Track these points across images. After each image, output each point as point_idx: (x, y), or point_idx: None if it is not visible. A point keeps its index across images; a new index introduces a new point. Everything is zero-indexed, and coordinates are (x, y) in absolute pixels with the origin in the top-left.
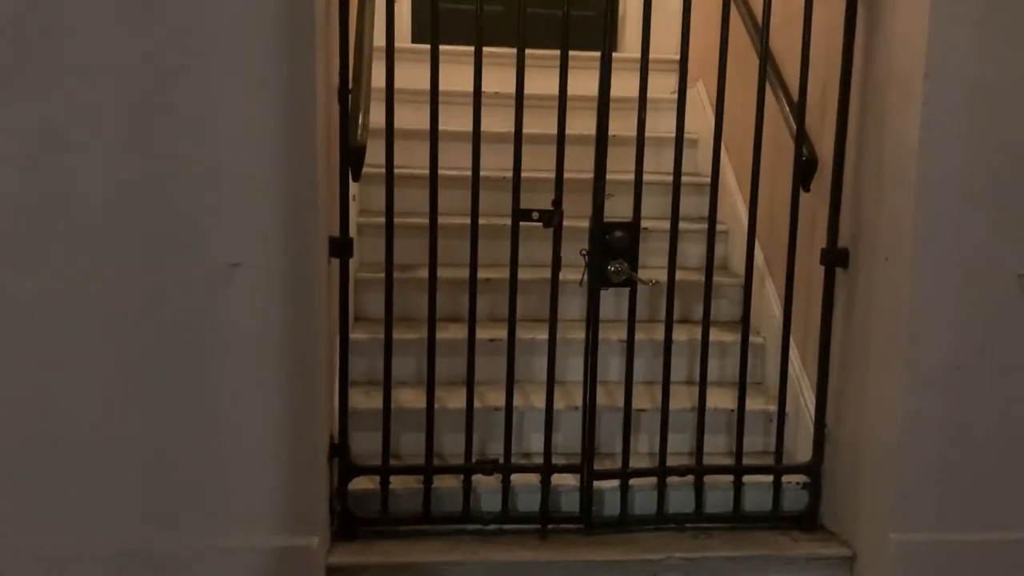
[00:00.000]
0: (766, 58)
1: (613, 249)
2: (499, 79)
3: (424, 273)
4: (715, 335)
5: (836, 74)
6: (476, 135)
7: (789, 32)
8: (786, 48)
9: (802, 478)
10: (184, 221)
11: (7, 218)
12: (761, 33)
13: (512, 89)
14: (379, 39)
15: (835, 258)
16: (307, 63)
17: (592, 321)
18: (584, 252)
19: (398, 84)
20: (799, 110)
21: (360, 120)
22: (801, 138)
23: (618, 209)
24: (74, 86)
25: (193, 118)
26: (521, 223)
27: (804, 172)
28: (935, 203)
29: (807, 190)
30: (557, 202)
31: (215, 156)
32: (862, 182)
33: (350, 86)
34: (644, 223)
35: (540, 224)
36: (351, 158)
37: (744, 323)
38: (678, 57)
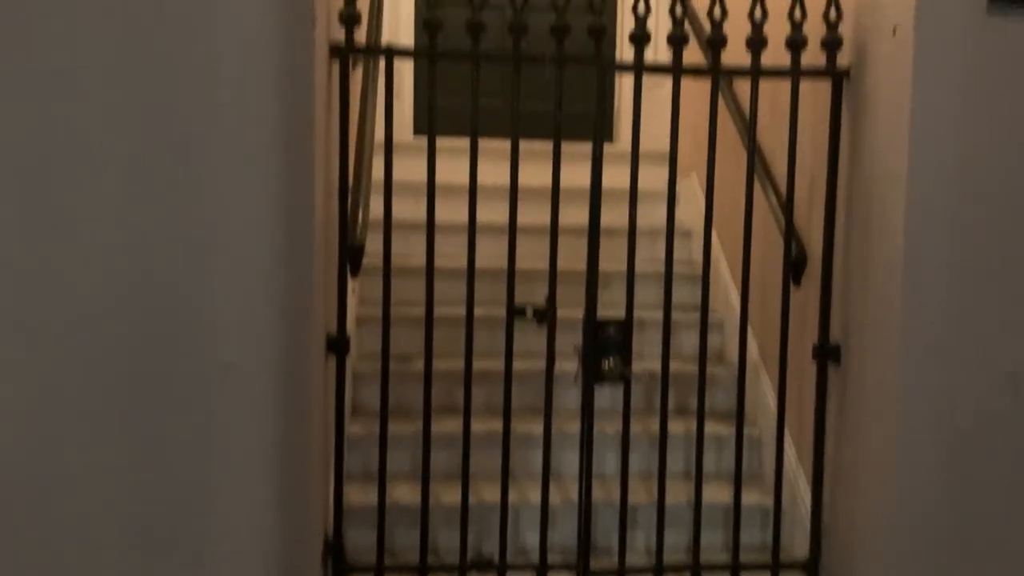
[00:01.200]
0: (754, 156)
1: (606, 346)
2: (501, 170)
3: (422, 365)
4: (711, 427)
5: (823, 170)
6: (471, 231)
7: (777, 129)
8: (775, 144)
9: (801, 575)
10: (178, 318)
11: None
12: (749, 131)
13: (520, 180)
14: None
15: (827, 354)
16: (307, 162)
17: (586, 416)
18: (578, 347)
19: (400, 177)
20: (787, 207)
21: (360, 218)
22: (790, 234)
23: (614, 296)
24: (64, 227)
25: (189, 215)
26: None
27: (794, 268)
28: (922, 301)
29: (798, 285)
30: (551, 300)
31: (211, 253)
32: (851, 278)
33: (350, 183)
34: (640, 313)
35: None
36: (350, 256)
37: (738, 418)
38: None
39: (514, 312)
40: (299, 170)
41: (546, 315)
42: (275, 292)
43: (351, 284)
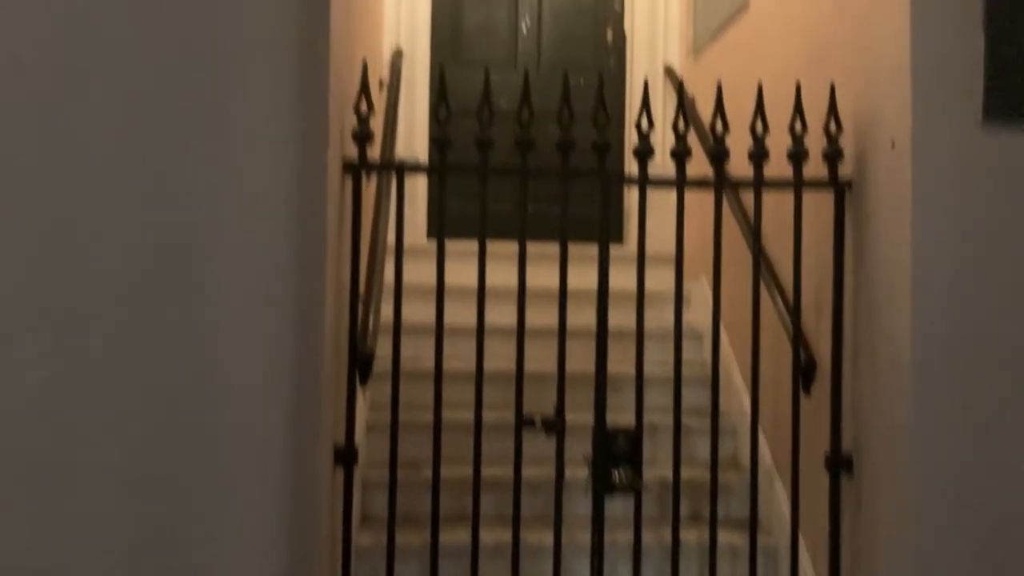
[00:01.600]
0: (759, 263)
1: (616, 456)
2: (511, 272)
3: (431, 472)
4: (726, 536)
5: (829, 277)
6: (479, 336)
7: (782, 235)
8: (781, 250)
9: None
10: (182, 432)
11: None
12: (753, 239)
13: (529, 282)
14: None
15: (839, 464)
16: (318, 275)
17: (597, 529)
18: (587, 456)
19: (413, 280)
20: (794, 315)
21: (371, 325)
22: (798, 342)
23: (624, 399)
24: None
25: (197, 327)
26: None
27: (803, 375)
28: (932, 415)
29: (808, 393)
30: (559, 410)
31: (219, 367)
32: (861, 387)
33: (361, 291)
34: (651, 417)
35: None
36: (360, 364)
37: (752, 528)
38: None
39: (523, 422)
40: (311, 283)
41: (555, 425)
42: (284, 407)
43: (361, 390)
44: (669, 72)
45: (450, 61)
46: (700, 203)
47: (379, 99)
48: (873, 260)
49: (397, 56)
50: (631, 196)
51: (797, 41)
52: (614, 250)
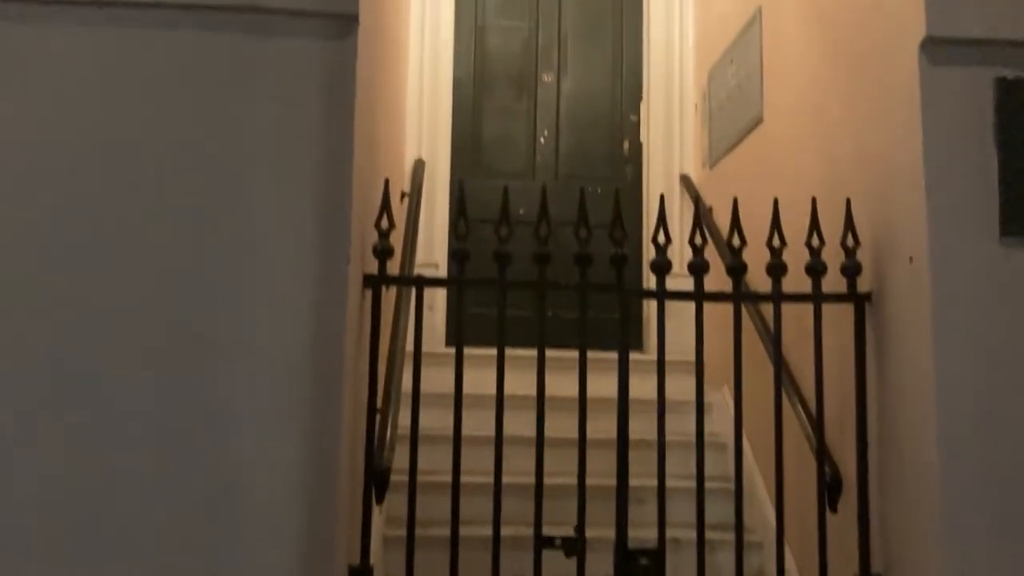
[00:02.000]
0: (780, 375)
1: None
2: (530, 380)
3: None
4: None
5: (852, 391)
6: (498, 447)
7: (803, 346)
8: (802, 360)
9: None
10: (189, 550)
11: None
12: (774, 352)
13: (548, 390)
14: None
15: None
16: (335, 390)
17: None
18: None
19: (431, 388)
20: (818, 429)
21: (388, 438)
22: (823, 457)
23: (647, 513)
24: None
25: (215, 444)
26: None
27: (829, 492)
28: (964, 539)
29: (834, 511)
30: (579, 530)
31: (233, 489)
32: (888, 506)
33: (379, 402)
34: (674, 532)
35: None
36: (376, 480)
37: None
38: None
39: (542, 542)
40: (327, 397)
41: (575, 546)
42: (297, 524)
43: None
44: (685, 181)
45: (470, 171)
46: (720, 310)
47: (401, 209)
48: (896, 377)
49: (419, 166)
50: (650, 302)
51: (810, 154)
52: (633, 357)
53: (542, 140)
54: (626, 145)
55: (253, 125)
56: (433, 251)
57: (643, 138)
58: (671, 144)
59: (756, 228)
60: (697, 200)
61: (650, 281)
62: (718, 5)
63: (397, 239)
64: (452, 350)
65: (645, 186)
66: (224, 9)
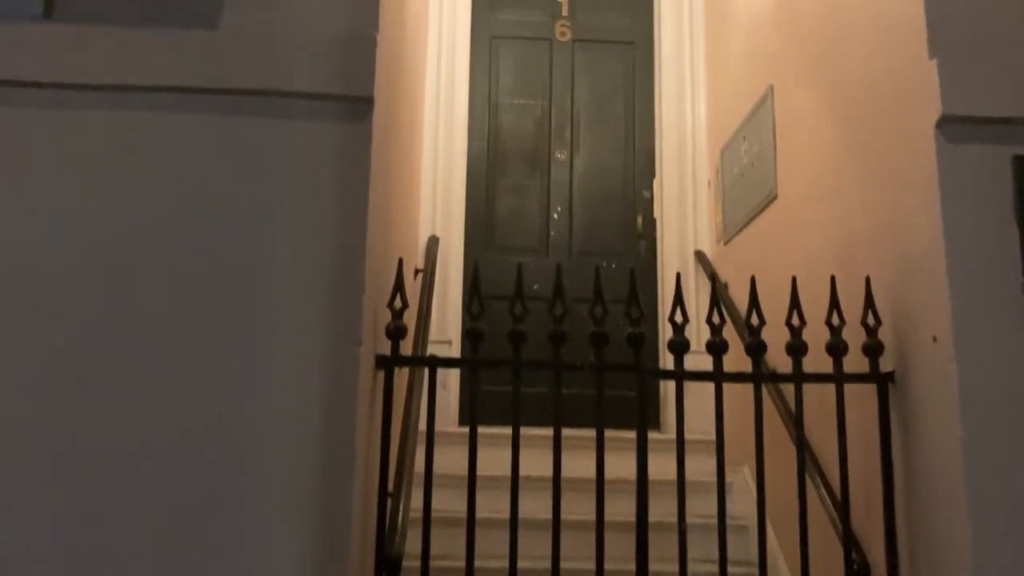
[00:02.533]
0: (803, 456)
1: None
2: (546, 460)
3: None
4: None
5: (878, 472)
6: (513, 533)
7: (825, 425)
8: (825, 440)
9: None
10: None
11: None
12: (796, 434)
13: (564, 471)
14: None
15: None
16: (347, 468)
17: None
18: None
19: (445, 469)
20: (843, 514)
21: (400, 524)
22: (850, 542)
23: None
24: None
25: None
26: None
27: None
28: None
29: None
30: None
31: (244, 573)
32: None
33: (390, 484)
34: None
35: None
36: (387, 569)
37: None
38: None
39: None
40: (338, 484)
41: None
42: None
43: None
44: (700, 257)
45: (483, 247)
46: (740, 390)
47: (414, 287)
48: (923, 459)
49: (432, 243)
50: (668, 380)
51: (826, 231)
52: (651, 436)
53: (555, 216)
54: (639, 221)
55: (267, 209)
56: (447, 328)
57: (656, 214)
58: (685, 220)
59: (772, 304)
60: (713, 278)
61: (667, 359)
62: (729, 83)
63: (411, 316)
64: (466, 429)
65: (659, 262)
66: (241, 93)
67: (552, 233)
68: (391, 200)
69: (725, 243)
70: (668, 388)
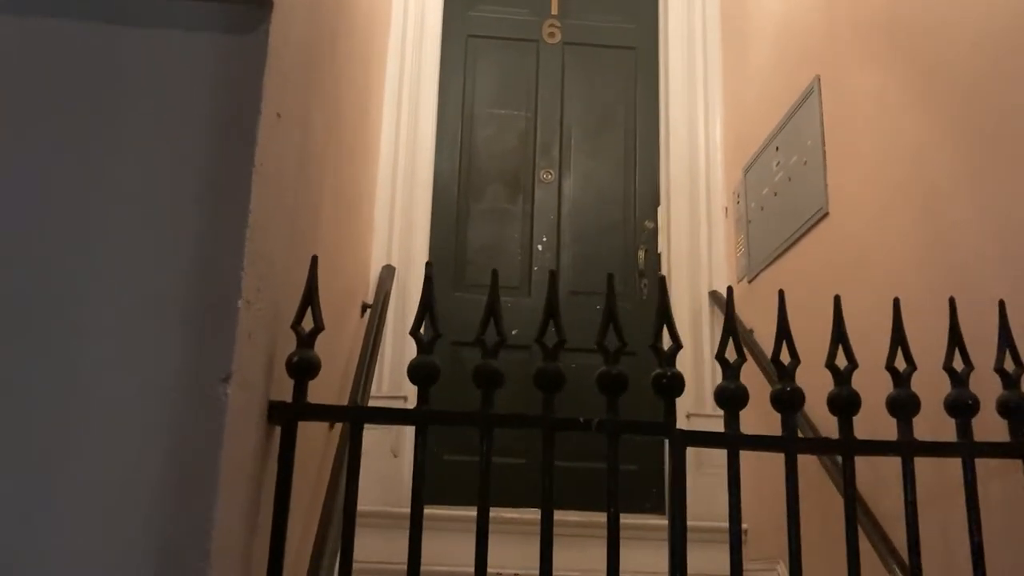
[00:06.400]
0: (856, 549)
1: None
2: (521, 553)
3: None
4: None
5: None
6: None
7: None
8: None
9: None
10: None
11: None
12: (847, 524)
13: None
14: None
15: None
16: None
17: None
18: None
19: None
20: None
21: None
22: None
23: None
24: None
25: None
26: None
27: None
28: None
29: None
30: None
31: None
32: None
33: None
34: None
35: None
36: None
37: None
38: (745, 525)
39: None
40: None
41: None
42: None
43: None
44: (716, 298)
45: (451, 284)
46: (772, 464)
47: (359, 325)
48: None
49: (387, 273)
50: None
51: (909, 249)
52: (654, 522)
53: (540, 248)
54: (641, 256)
55: (105, 149)
56: (403, 381)
57: (662, 248)
58: (697, 255)
59: (818, 345)
60: (729, 292)
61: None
62: (752, 91)
63: (351, 358)
64: (428, 509)
65: None
66: None
67: (536, 268)
68: (308, 177)
69: (749, 281)
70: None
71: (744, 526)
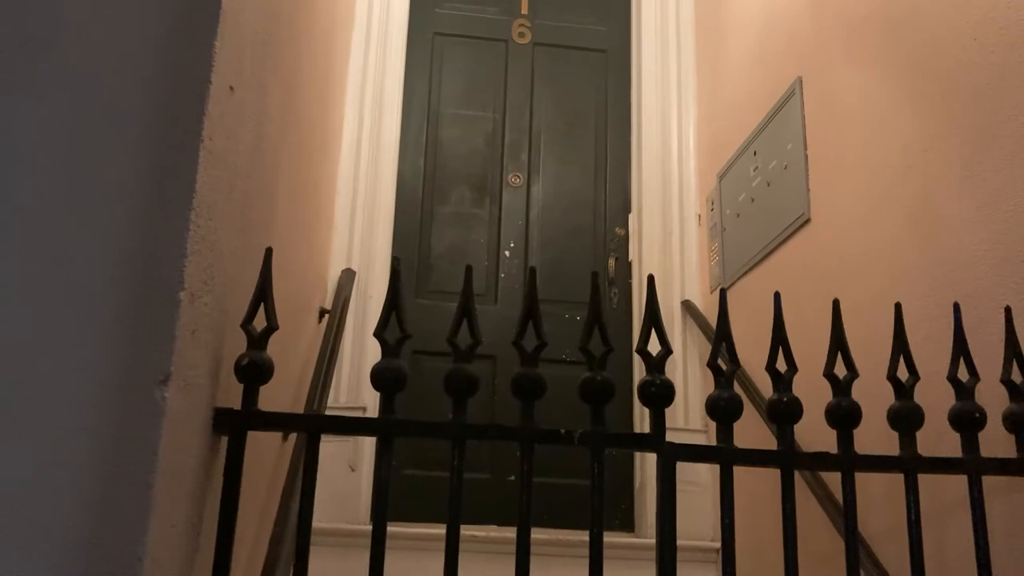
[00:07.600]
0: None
1: None
2: (487, 573)
3: None
4: None
5: None
6: None
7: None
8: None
9: None
10: None
11: None
12: (847, 545)
13: None
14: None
15: None
16: None
17: None
18: None
19: None
20: None
21: None
22: None
23: None
24: None
25: None
26: None
27: None
28: None
29: None
30: None
31: None
32: None
33: None
34: None
35: None
36: None
37: None
38: (716, 544)
39: None
40: None
41: None
42: None
43: None
44: (689, 308)
45: (414, 290)
46: (755, 476)
47: (316, 331)
48: None
49: (347, 278)
50: (644, 466)
51: (904, 257)
52: (622, 540)
53: (507, 254)
54: (611, 264)
55: (21, 111)
56: (361, 390)
57: (632, 256)
58: (669, 263)
59: (807, 355)
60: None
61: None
62: (730, 91)
63: (303, 368)
64: (390, 527)
65: (635, 313)
66: None
67: (502, 275)
68: (268, 179)
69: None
70: (645, 475)
71: (714, 544)
